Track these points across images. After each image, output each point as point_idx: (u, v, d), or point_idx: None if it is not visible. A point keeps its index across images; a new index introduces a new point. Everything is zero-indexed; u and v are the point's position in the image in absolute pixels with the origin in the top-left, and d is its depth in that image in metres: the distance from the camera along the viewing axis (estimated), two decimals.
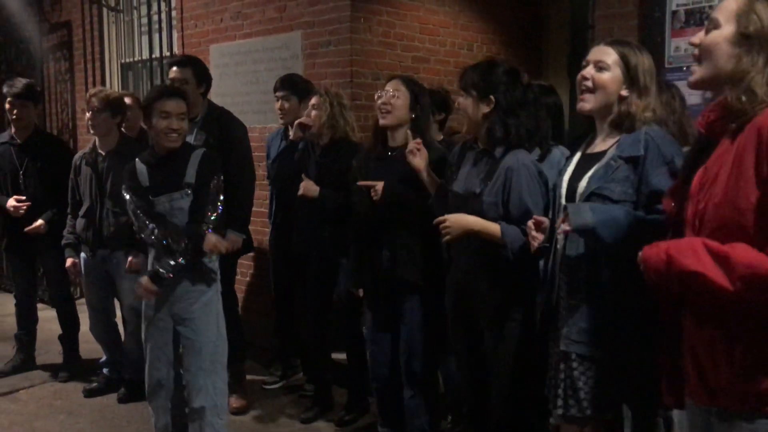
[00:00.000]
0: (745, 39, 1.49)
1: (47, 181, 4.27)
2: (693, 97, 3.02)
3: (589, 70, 2.11)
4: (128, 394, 4.02)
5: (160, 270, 2.89)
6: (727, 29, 1.51)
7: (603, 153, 2.10)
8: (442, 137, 3.69)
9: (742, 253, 1.41)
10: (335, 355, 3.93)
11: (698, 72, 1.58)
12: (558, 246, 2.16)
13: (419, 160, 2.75)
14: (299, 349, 4.27)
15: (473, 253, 2.52)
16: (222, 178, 3.02)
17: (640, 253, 1.60)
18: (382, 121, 2.96)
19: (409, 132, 2.94)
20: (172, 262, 2.89)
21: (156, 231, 2.95)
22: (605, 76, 2.08)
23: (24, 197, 4.24)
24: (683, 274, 1.47)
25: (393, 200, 2.93)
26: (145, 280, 2.94)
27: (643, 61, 2.09)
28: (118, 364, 4.14)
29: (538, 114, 2.58)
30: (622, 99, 2.08)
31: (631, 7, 3.21)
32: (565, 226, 1.95)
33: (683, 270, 1.47)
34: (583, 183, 2.09)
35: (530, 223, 2.21)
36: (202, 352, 3.00)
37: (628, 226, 1.92)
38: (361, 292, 3.22)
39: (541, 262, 2.28)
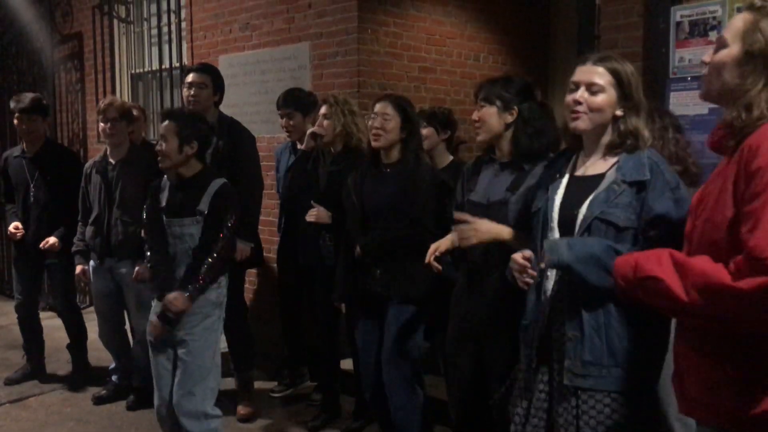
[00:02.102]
0: (750, 57, 1.51)
1: (57, 193, 4.30)
2: (698, 107, 3.05)
3: (581, 94, 2.00)
4: (137, 401, 4.04)
5: (168, 314, 2.90)
6: (734, 48, 1.53)
7: (601, 176, 2.00)
8: (452, 158, 3.70)
9: (700, 263, 1.46)
10: (343, 363, 3.95)
11: (708, 87, 1.61)
12: (548, 274, 2.05)
13: (442, 246, 2.58)
14: (307, 358, 4.30)
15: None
16: (235, 214, 2.99)
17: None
18: (374, 144, 3.02)
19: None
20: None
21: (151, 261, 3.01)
22: (600, 99, 1.99)
23: (21, 225, 4.32)
24: (645, 279, 1.54)
25: (382, 247, 2.99)
26: (154, 320, 2.96)
27: (633, 74, 2.01)
28: (127, 371, 4.17)
29: (555, 128, 2.60)
30: (617, 118, 2.00)
31: (636, 18, 3.23)
32: (542, 264, 1.89)
33: (646, 275, 1.53)
34: (583, 209, 1.97)
35: (519, 259, 2.03)
36: (194, 376, 2.96)
37: (607, 262, 1.79)
38: (343, 307, 3.25)
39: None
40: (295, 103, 4.00)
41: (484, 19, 5.18)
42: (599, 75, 1.99)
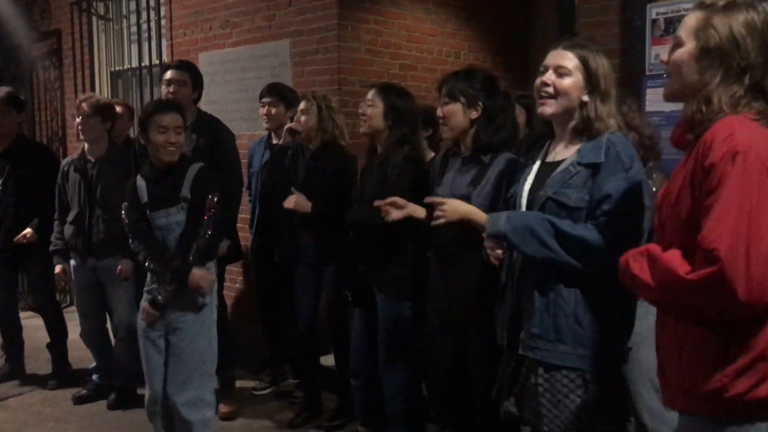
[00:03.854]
0: (706, 53, 1.53)
1: (29, 188, 4.25)
2: (673, 104, 3.08)
3: (549, 76, 2.04)
4: (118, 401, 4.02)
5: (158, 297, 2.91)
6: (689, 45, 1.56)
7: (565, 160, 2.06)
8: (433, 155, 3.71)
9: (668, 257, 1.50)
10: (324, 360, 3.96)
11: (669, 86, 1.64)
12: (516, 255, 2.12)
13: (397, 213, 2.62)
14: (289, 355, 4.30)
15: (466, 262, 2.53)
16: (217, 196, 2.99)
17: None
18: (361, 129, 3.10)
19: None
20: (162, 292, 2.91)
21: (148, 257, 2.99)
22: (566, 82, 2.02)
23: None
24: (630, 276, 1.59)
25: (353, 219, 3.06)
26: (144, 305, 2.97)
27: (603, 65, 2.04)
28: (109, 370, 4.14)
29: (515, 120, 2.64)
30: (583, 104, 2.03)
31: (613, 15, 3.26)
32: (486, 231, 2.00)
33: (630, 272, 1.58)
34: (541, 190, 2.05)
35: (489, 243, 2.14)
36: (189, 362, 2.97)
37: (542, 235, 1.91)
38: (350, 296, 3.27)
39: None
40: (280, 95, 4.02)
41: (464, 16, 5.20)
42: (567, 59, 2.04)
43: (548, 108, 2.06)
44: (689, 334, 1.54)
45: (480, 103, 2.52)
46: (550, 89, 2.04)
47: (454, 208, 2.28)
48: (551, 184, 2.02)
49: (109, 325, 4.24)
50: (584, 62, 2.02)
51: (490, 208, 2.34)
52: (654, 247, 1.57)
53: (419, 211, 2.61)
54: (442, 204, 2.28)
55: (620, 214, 1.90)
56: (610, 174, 1.94)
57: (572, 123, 2.06)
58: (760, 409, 1.49)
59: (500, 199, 2.38)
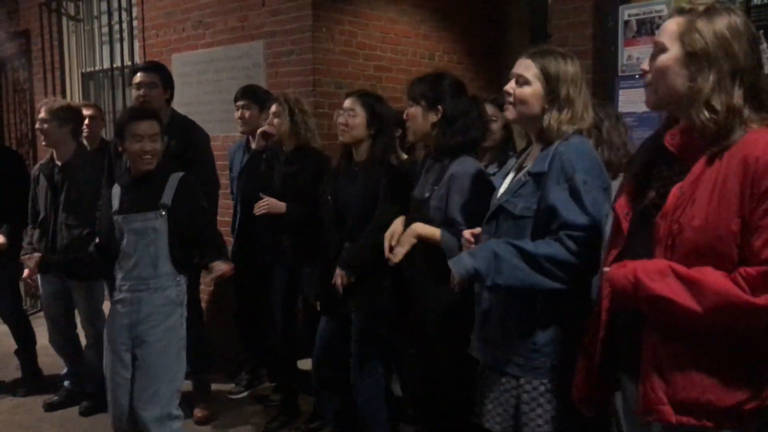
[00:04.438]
0: (693, 58, 1.51)
1: None
2: (633, 106, 3.12)
3: (510, 85, 2.08)
4: (90, 407, 3.96)
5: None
6: (674, 50, 1.53)
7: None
8: (405, 157, 3.71)
9: (712, 279, 1.44)
10: (302, 364, 3.94)
11: (654, 95, 1.59)
12: None
13: (401, 250, 2.58)
14: (265, 359, 4.26)
15: (425, 264, 2.57)
16: (202, 205, 2.99)
17: (605, 271, 1.59)
18: (341, 138, 3.04)
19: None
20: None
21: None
22: (525, 91, 2.04)
23: None
24: (652, 298, 1.49)
25: (358, 264, 2.96)
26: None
27: (566, 71, 2.03)
28: (80, 376, 4.07)
29: (484, 124, 2.64)
30: (544, 112, 2.04)
31: (586, 17, 3.29)
32: (454, 278, 1.99)
33: (652, 294, 1.48)
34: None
35: (467, 234, 2.15)
36: (159, 376, 2.89)
37: (510, 258, 1.90)
38: (318, 305, 3.21)
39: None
40: (253, 97, 3.99)
41: (439, 18, 5.22)
42: (528, 68, 2.05)
43: (509, 114, 2.12)
44: (712, 348, 1.50)
45: (440, 107, 2.53)
46: (511, 98, 2.08)
47: (406, 235, 2.46)
48: (506, 192, 2.06)
49: (79, 330, 4.17)
50: (545, 71, 2.03)
51: (443, 210, 2.43)
52: (679, 267, 1.49)
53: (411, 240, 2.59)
54: (394, 242, 2.44)
55: (571, 227, 1.89)
56: (552, 184, 1.94)
57: (535, 131, 2.09)
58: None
59: (463, 209, 2.41)
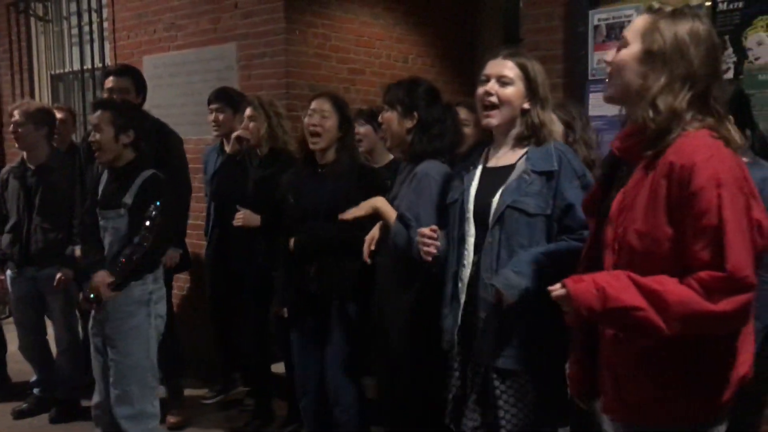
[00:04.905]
0: (649, 56, 1.53)
1: None
2: (616, 108, 3.16)
3: (492, 86, 2.09)
4: (60, 414, 3.91)
5: (90, 295, 2.87)
6: (634, 47, 1.56)
7: (511, 166, 2.10)
8: (392, 158, 3.70)
9: (671, 288, 1.43)
10: (275, 367, 3.92)
11: (610, 88, 1.63)
12: (465, 262, 2.13)
13: (356, 210, 2.61)
14: (239, 363, 4.24)
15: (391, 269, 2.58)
16: (158, 207, 2.91)
17: (561, 287, 1.55)
18: (313, 147, 2.97)
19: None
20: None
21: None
22: (509, 91, 2.07)
23: None
24: (620, 310, 1.45)
25: (315, 245, 2.96)
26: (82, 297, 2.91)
27: (541, 71, 2.09)
28: (50, 383, 4.01)
29: (458, 132, 2.67)
30: (524, 112, 2.08)
31: (557, 21, 3.33)
32: (507, 302, 1.93)
33: (621, 305, 1.45)
34: (496, 198, 2.07)
35: (424, 231, 2.15)
36: (127, 375, 2.91)
37: (551, 264, 1.93)
38: (285, 312, 3.17)
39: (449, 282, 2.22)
40: (227, 99, 3.97)
41: (412, 21, 5.23)
42: (508, 68, 2.08)
43: (493, 119, 2.11)
44: (662, 350, 1.51)
45: (415, 113, 2.55)
46: (494, 99, 2.09)
47: (366, 201, 2.44)
48: (508, 192, 2.04)
49: (50, 336, 4.11)
50: (524, 70, 2.08)
51: (408, 209, 2.42)
52: (636, 276, 1.47)
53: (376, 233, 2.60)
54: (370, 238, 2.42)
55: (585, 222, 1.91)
56: (566, 183, 2.00)
57: (515, 130, 2.11)
58: (723, 413, 1.54)
59: (432, 209, 2.40)
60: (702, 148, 1.45)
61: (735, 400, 1.55)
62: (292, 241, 3.01)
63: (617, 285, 1.47)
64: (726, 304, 1.40)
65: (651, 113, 1.51)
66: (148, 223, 2.85)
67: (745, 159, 1.59)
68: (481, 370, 2.11)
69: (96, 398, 3.05)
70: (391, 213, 2.45)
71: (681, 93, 1.51)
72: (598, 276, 1.51)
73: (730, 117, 1.55)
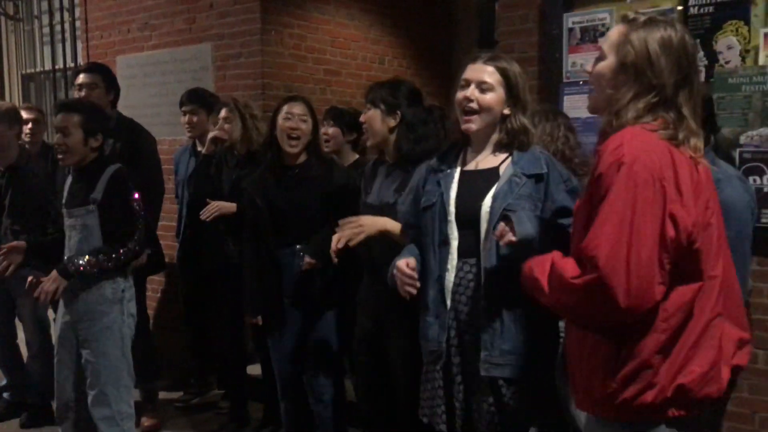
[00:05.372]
0: (623, 68, 1.57)
1: None
2: (577, 111, 3.20)
3: (472, 92, 2.07)
4: (31, 419, 3.84)
5: (69, 264, 2.82)
6: (610, 59, 1.60)
7: (494, 170, 2.08)
8: (357, 157, 3.72)
9: (563, 262, 1.57)
10: (251, 369, 3.90)
11: (591, 99, 1.68)
12: (449, 267, 2.09)
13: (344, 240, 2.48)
14: (214, 365, 4.21)
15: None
16: (136, 199, 2.92)
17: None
18: (291, 149, 2.94)
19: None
20: (80, 262, 2.81)
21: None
22: (489, 98, 2.06)
23: None
24: (532, 280, 1.65)
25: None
26: (53, 274, 2.84)
27: (521, 75, 2.10)
28: (20, 387, 3.95)
29: (438, 133, 2.68)
30: (506, 117, 2.08)
31: (531, 24, 3.35)
32: (510, 237, 1.88)
33: (532, 276, 1.64)
34: (487, 201, 2.04)
35: (404, 269, 2.08)
36: (102, 376, 2.90)
37: (546, 237, 1.95)
38: (260, 320, 3.10)
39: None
40: (200, 101, 3.93)
41: (388, 23, 5.24)
42: (489, 74, 2.07)
43: (473, 125, 2.09)
44: (587, 339, 1.58)
45: (398, 112, 2.55)
46: (474, 105, 2.07)
47: (372, 222, 2.31)
48: (501, 195, 2.02)
49: (21, 339, 4.04)
50: (504, 76, 2.07)
51: (412, 215, 2.32)
52: (557, 254, 1.62)
53: (389, 224, 2.47)
54: (356, 221, 2.29)
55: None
56: (555, 185, 2.02)
57: (495, 135, 2.11)
58: (652, 413, 1.53)
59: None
60: (618, 137, 1.50)
61: (681, 410, 1.53)
62: (306, 257, 2.86)
63: (541, 260, 1.65)
64: (578, 280, 1.48)
65: (614, 120, 1.56)
66: (138, 219, 2.89)
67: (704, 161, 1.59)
68: (471, 375, 2.09)
69: (59, 402, 3.02)
70: (397, 226, 2.33)
71: (644, 100, 1.54)
72: (543, 255, 1.68)
73: (691, 118, 1.56)
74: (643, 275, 1.42)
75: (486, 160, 2.12)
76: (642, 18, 1.59)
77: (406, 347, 2.48)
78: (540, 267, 1.63)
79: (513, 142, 2.08)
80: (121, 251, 2.85)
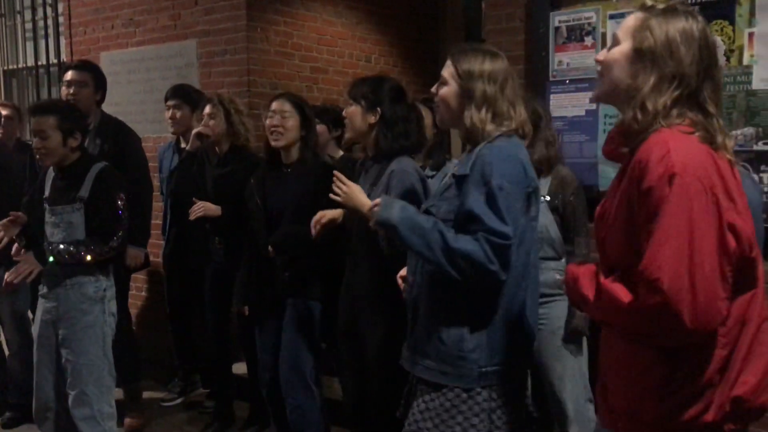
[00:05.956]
0: (639, 55, 1.49)
1: None
2: (576, 109, 3.20)
3: (435, 86, 2.06)
4: (13, 419, 3.81)
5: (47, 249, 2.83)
6: (625, 45, 1.51)
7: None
8: (342, 152, 3.72)
9: (612, 287, 1.44)
10: (236, 368, 3.88)
11: (599, 87, 1.58)
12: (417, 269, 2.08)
13: (327, 220, 2.57)
14: (199, 364, 4.18)
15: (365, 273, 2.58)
16: (125, 194, 2.93)
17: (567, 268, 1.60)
18: (275, 144, 2.99)
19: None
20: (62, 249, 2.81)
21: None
22: (443, 91, 2.01)
23: None
24: (580, 295, 1.52)
25: (285, 246, 2.96)
26: (28, 256, 2.85)
27: (482, 68, 1.96)
28: (2, 387, 3.90)
29: (421, 130, 2.68)
30: (463, 111, 1.98)
31: (518, 22, 3.35)
32: (321, 220, 1.94)
33: (580, 291, 1.52)
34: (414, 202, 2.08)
35: (400, 277, 2.19)
36: (83, 375, 2.89)
37: (430, 240, 1.86)
38: (246, 310, 3.17)
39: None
40: (185, 97, 3.92)
41: (375, 20, 5.23)
42: (446, 67, 2.03)
43: (437, 117, 2.10)
44: (638, 359, 1.48)
45: (378, 109, 2.55)
46: (437, 99, 2.05)
47: (352, 195, 2.22)
48: (433, 195, 2.03)
49: (1, 338, 4.00)
50: (458, 69, 1.99)
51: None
52: (594, 269, 1.52)
53: (336, 213, 2.59)
54: (346, 185, 2.24)
55: (488, 230, 1.83)
56: (471, 188, 1.89)
57: (462, 133, 2.05)
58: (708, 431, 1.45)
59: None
60: (661, 144, 1.39)
61: (738, 424, 1.45)
62: (269, 247, 2.96)
63: (587, 273, 1.52)
64: (638, 304, 1.37)
65: (639, 114, 1.46)
66: (121, 218, 2.89)
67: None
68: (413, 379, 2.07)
69: (37, 403, 3.00)
70: (364, 202, 2.21)
71: (668, 92, 1.46)
72: (583, 266, 1.57)
73: (719, 116, 1.49)
74: (709, 294, 1.33)
75: (462, 157, 2.09)
76: (661, 6, 1.52)
77: (380, 341, 2.50)
78: (587, 281, 1.50)
79: (470, 139, 2.00)
80: (104, 248, 2.85)
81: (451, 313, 1.94)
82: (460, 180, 1.94)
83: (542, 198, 2.51)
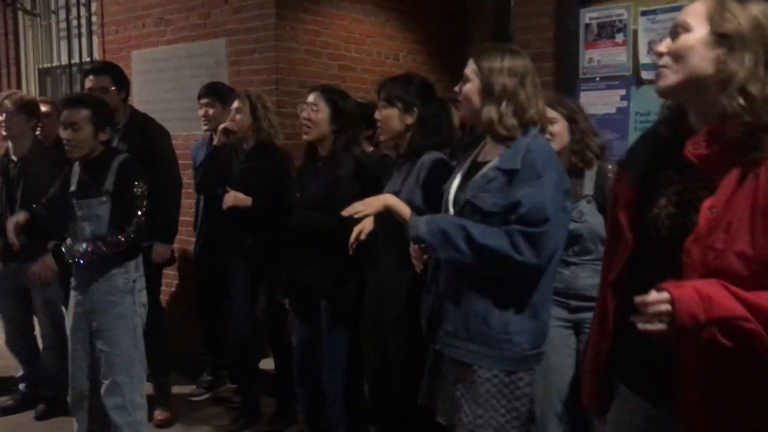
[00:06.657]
0: (723, 39, 1.35)
1: None
2: (606, 107, 3.16)
3: (459, 85, 2.11)
4: (46, 411, 3.87)
5: (63, 249, 2.86)
6: (700, 31, 1.37)
7: (487, 162, 2.08)
8: (371, 149, 3.70)
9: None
10: (264, 364, 3.90)
11: (670, 77, 1.41)
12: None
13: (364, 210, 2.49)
14: (227, 360, 4.22)
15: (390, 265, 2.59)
16: (144, 184, 2.97)
17: (667, 292, 1.26)
18: (304, 136, 3.02)
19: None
20: (80, 249, 2.85)
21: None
22: (466, 88, 2.06)
23: None
24: (727, 320, 1.23)
25: (304, 223, 2.99)
26: (47, 257, 2.89)
27: (501, 65, 2.00)
28: (36, 379, 3.98)
29: (451, 124, 2.69)
30: (483, 107, 2.03)
31: (547, 19, 3.33)
32: (410, 233, 2.04)
33: (729, 315, 1.23)
34: (451, 191, 2.10)
35: (414, 248, 2.28)
36: (116, 365, 2.94)
37: (456, 240, 1.92)
38: (287, 303, 3.21)
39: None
40: (217, 95, 3.95)
41: (403, 19, 5.22)
42: (468, 65, 2.08)
43: (461, 113, 2.16)
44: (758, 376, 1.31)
45: (415, 109, 2.56)
46: (461, 96, 2.11)
47: (375, 199, 2.26)
48: (472, 187, 2.03)
49: (37, 331, 4.07)
50: (479, 66, 2.04)
51: (410, 201, 2.35)
52: (737, 289, 1.26)
53: (371, 226, 2.56)
54: (360, 204, 2.26)
55: (530, 222, 1.89)
56: (522, 181, 1.93)
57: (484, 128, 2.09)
58: None
59: (423, 194, 2.43)
60: None
61: None
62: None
63: (720, 293, 1.25)
64: None
65: (743, 101, 1.30)
66: (138, 207, 2.91)
67: None
68: (443, 359, 2.12)
69: (73, 392, 3.05)
70: (404, 210, 2.25)
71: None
72: (698, 283, 1.28)
73: None
74: None
75: (490, 152, 2.09)
76: None
77: (402, 336, 2.52)
78: (727, 300, 1.25)
79: (493, 135, 2.04)
80: (120, 238, 2.87)
81: (497, 296, 1.99)
82: (508, 173, 1.96)
83: (587, 198, 2.52)
